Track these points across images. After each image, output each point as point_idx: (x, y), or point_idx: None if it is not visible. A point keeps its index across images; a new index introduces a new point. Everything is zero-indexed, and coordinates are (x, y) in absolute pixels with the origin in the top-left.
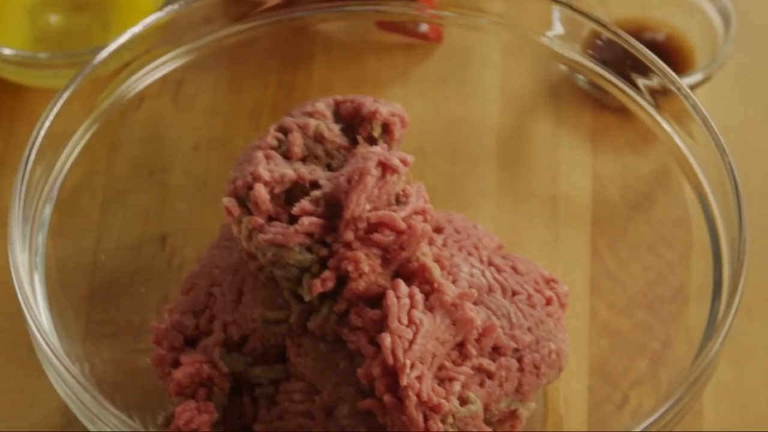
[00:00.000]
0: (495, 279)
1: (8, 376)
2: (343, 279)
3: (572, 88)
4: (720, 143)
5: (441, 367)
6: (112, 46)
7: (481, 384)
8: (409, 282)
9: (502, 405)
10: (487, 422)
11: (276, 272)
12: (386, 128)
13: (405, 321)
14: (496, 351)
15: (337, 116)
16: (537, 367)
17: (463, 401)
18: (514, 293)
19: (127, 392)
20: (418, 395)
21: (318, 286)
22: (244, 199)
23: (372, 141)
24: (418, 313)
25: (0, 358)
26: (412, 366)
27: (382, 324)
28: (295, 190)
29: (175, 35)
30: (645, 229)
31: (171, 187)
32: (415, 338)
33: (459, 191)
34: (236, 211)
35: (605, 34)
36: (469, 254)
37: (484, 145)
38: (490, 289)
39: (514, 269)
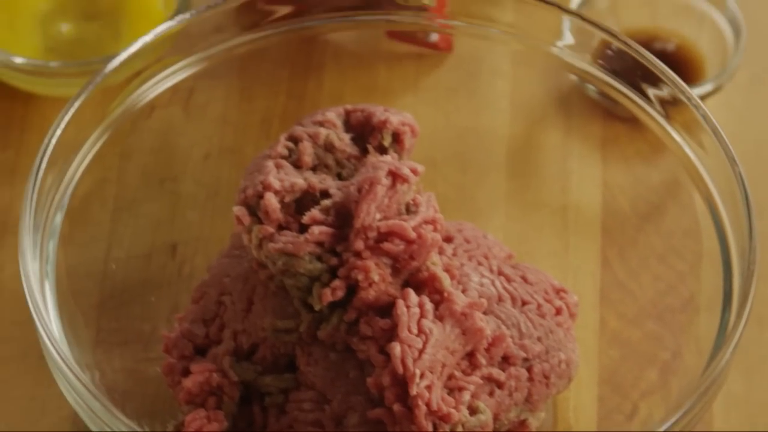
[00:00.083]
0: (505, 288)
1: (19, 384)
2: (353, 288)
3: (582, 98)
4: (730, 153)
5: (450, 377)
6: (123, 55)
7: (491, 394)
8: (419, 291)
9: (511, 415)
10: None
11: (286, 281)
12: (396, 137)
13: (415, 330)
14: (506, 361)
15: (348, 125)
16: (547, 377)
17: (473, 411)
18: (524, 303)
19: (137, 401)
20: (427, 405)
21: (328, 296)
22: (254, 208)
23: (382, 150)
24: (427, 323)
25: (10, 366)
26: (422, 375)
27: (391, 333)
28: (306, 200)
29: (186, 44)
30: (655, 239)
31: (181, 195)
32: (424, 348)
33: (469, 201)
34: (246, 220)
35: (615, 44)
36: (479, 264)
37: (494, 154)
38: (500, 299)
39: (524, 279)
